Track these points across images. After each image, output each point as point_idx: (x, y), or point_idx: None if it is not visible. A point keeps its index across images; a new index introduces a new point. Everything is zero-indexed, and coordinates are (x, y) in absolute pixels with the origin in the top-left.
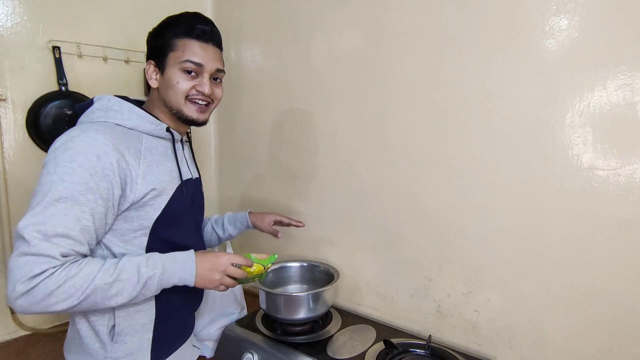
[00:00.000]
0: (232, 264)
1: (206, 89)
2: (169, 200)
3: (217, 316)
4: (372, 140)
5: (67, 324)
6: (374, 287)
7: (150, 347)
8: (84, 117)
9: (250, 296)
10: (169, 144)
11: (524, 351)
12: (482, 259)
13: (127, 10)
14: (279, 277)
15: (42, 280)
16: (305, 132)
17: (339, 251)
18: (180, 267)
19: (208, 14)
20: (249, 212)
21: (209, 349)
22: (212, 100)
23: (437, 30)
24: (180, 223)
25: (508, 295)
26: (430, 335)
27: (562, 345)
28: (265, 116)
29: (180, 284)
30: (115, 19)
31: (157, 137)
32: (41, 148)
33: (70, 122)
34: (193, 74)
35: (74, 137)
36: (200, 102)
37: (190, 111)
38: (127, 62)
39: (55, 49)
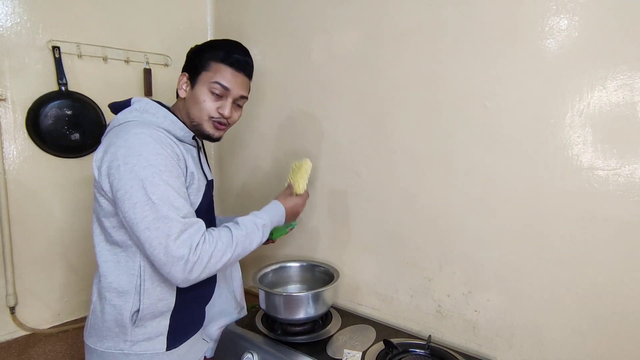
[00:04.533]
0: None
1: (226, 112)
2: (202, 197)
3: (216, 316)
4: (372, 140)
5: (66, 324)
6: (374, 287)
7: (166, 333)
8: (120, 115)
9: (251, 296)
10: (193, 149)
11: (524, 351)
12: (482, 259)
13: (127, 10)
14: (279, 277)
15: (202, 246)
16: (305, 132)
17: (339, 251)
18: (278, 214)
19: (208, 14)
20: None
21: (209, 349)
22: (229, 123)
23: (437, 30)
24: (207, 219)
25: (508, 295)
26: (430, 335)
27: (562, 345)
28: (265, 116)
29: (279, 224)
30: (115, 19)
31: (184, 142)
32: (41, 148)
33: (70, 122)
34: (218, 95)
35: (139, 133)
36: (219, 122)
37: (209, 128)
38: (126, 62)
39: (55, 49)
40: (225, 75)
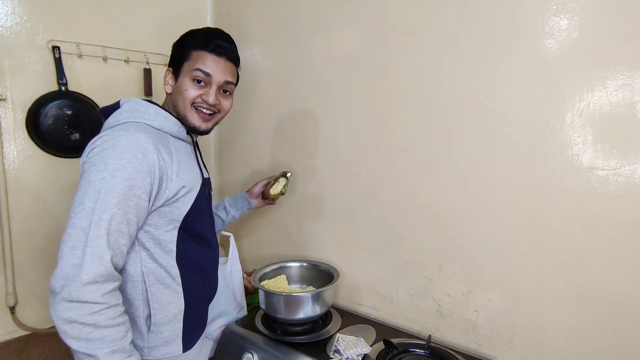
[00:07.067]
0: None
1: (211, 99)
2: (197, 197)
3: (216, 316)
4: (373, 140)
5: None
6: (374, 287)
7: (181, 335)
8: (111, 119)
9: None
10: (188, 146)
11: (524, 351)
12: (482, 259)
13: (127, 10)
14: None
15: (88, 302)
16: (306, 132)
17: (339, 251)
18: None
19: (208, 14)
20: (245, 192)
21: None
22: (219, 111)
23: (437, 30)
24: (203, 217)
25: (508, 295)
26: (430, 335)
27: (562, 345)
28: (265, 116)
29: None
30: (115, 18)
31: (179, 138)
32: (41, 148)
33: (70, 122)
34: (202, 83)
35: (118, 136)
36: (204, 110)
37: (194, 119)
38: (126, 62)
39: (55, 48)
40: (206, 62)
